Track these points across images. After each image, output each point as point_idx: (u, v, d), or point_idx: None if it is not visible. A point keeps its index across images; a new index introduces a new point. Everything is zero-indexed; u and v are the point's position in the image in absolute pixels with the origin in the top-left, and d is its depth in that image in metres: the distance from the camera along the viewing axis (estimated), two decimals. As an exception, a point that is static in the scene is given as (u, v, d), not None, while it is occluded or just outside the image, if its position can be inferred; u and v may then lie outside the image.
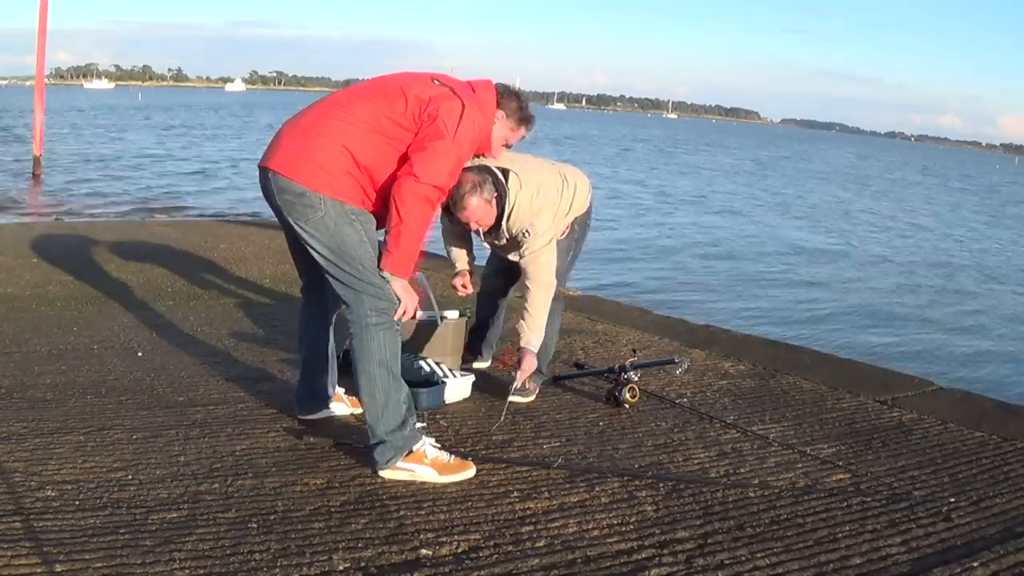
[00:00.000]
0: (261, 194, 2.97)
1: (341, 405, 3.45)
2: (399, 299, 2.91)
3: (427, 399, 3.49)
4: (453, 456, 2.94)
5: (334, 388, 3.43)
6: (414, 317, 3.11)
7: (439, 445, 2.97)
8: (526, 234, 3.50)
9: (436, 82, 2.95)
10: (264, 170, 2.88)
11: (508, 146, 3.38)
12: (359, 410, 3.44)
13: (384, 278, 2.86)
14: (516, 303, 4.08)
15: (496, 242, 3.68)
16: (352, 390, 3.49)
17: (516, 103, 3.24)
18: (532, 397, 3.79)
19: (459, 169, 3.02)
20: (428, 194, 2.79)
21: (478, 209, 3.35)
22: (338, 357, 3.44)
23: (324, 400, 3.40)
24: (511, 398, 3.61)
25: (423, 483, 2.83)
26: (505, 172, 3.43)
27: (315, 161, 2.79)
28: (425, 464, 2.87)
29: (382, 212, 2.89)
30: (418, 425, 3.05)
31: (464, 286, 3.83)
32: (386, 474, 2.87)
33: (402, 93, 2.86)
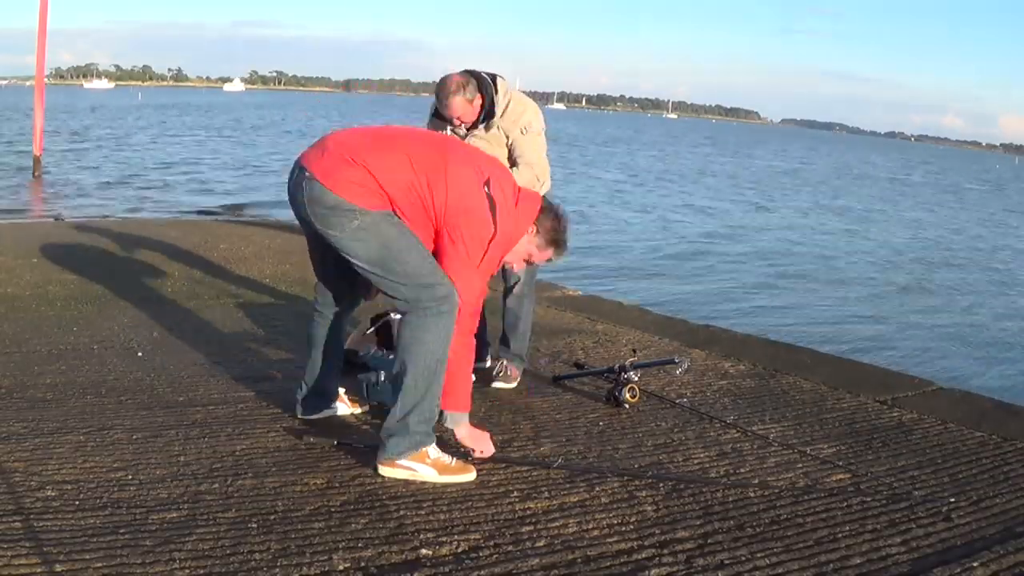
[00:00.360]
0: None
1: (342, 405, 3.45)
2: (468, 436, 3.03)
3: None
4: (455, 459, 2.92)
5: (338, 388, 3.43)
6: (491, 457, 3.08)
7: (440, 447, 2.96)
8: (525, 130, 3.74)
9: (486, 188, 2.86)
10: (302, 169, 2.82)
11: (530, 262, 3.25)
12: (359, 410, 3.46)
13: (439, 269, 2.83)
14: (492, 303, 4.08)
15: (479, 139, 3.77)
16: (352, 389, 3.51)
17: (552, 223, 3.08)
18: (514, 383, 3.95)
19: (485, 287, 3.05)
20: (465, 320, 2.89)
21: (460, 106, 3.60)
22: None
23: (330, 399, 3.40)
24: (495, 384, 3.85)
25: (423, 483, 2.83)
26: (494, 76, 3.69)
27: (354, 182, 2.75)
28: (427, 464, 2.85)
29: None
30: None
31: None
32: (386, 471, 2.85)
33: (444, 193, 2.80)
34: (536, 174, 3.76)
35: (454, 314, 2.83)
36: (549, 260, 3.20)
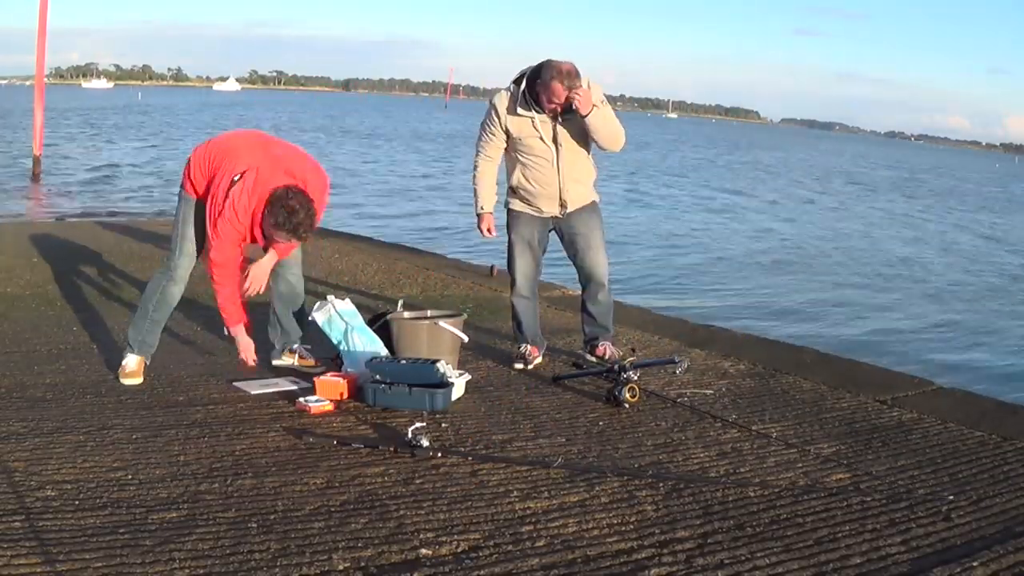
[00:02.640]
0: None
1: (288, 359, 4.15)
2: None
3: (442, 400, 3.53)
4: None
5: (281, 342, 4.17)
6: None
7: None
8: (602, 102, 4.07)
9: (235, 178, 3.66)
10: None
11: (274, 247, 3.78)
12: (293, 361, 4.15)
13: (179, 243, 3.88)
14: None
15: (567, 123, 4.09)
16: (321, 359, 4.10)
17: (274, 217, 3.59)
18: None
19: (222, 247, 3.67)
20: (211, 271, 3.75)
21: (560, 92, 3.90)
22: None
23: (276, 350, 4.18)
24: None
25: (423, 483, 2.83)
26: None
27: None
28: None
29: None
30: (417, 424, 3.09)
31: (489, 230, 4.31)
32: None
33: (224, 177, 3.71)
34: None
35: (169, 279, 3.92)
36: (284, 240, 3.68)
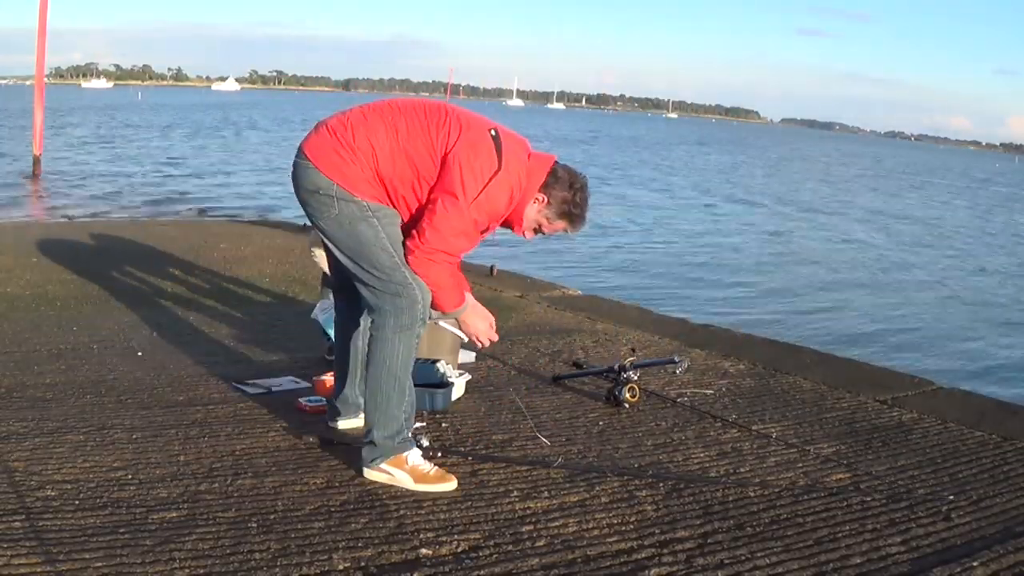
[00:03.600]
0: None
1: (405, 475, 2.96)
2: (468, 325, 2.96)
3: (442, 400, 3.53)
4: (435, 467, 2.87)
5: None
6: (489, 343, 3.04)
7: (424, 456, 2.90)
8: None
9: (492, 132, 2.78)
10: (298, 151, 2.82)
11: (541, 232, 2.99)
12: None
13: (408, 279, 2.76)
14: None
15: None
16: None
17: (566, 194, 2.87)
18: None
19: (474, 235, 2.80)
20: (433, 259, 2.75)
21: None
22: None
23: (352, 407, 3.26)
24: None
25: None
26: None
27: (339, 155, 2.72)
28: (404, 469, 2.81)
29: (406, 219, 2.83)
30: (417, 424, 3.05)
31: None
32: (368, 474, 2.85)
33: (442, 121, 2.74)
34: None
35: (413, 334, 2.81)
36: (565, 231, 2.99)
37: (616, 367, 3.84)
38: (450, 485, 2.82)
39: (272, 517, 2.54)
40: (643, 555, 2.44)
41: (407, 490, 2.78)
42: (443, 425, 3.41)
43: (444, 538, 2.47)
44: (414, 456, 2.85)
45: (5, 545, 2.26)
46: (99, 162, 22.09)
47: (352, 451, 3.05)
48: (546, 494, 2.81)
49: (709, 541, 2.54)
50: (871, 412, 3.89)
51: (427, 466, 2.86)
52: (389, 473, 2.83)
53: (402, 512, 2.62)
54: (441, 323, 4.05)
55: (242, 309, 5.36)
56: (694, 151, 52.80)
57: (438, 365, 3.62)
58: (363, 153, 2.72)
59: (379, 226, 2.76)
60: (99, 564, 2.21)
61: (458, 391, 3.72)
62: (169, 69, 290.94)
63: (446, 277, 2.83)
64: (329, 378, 3.64)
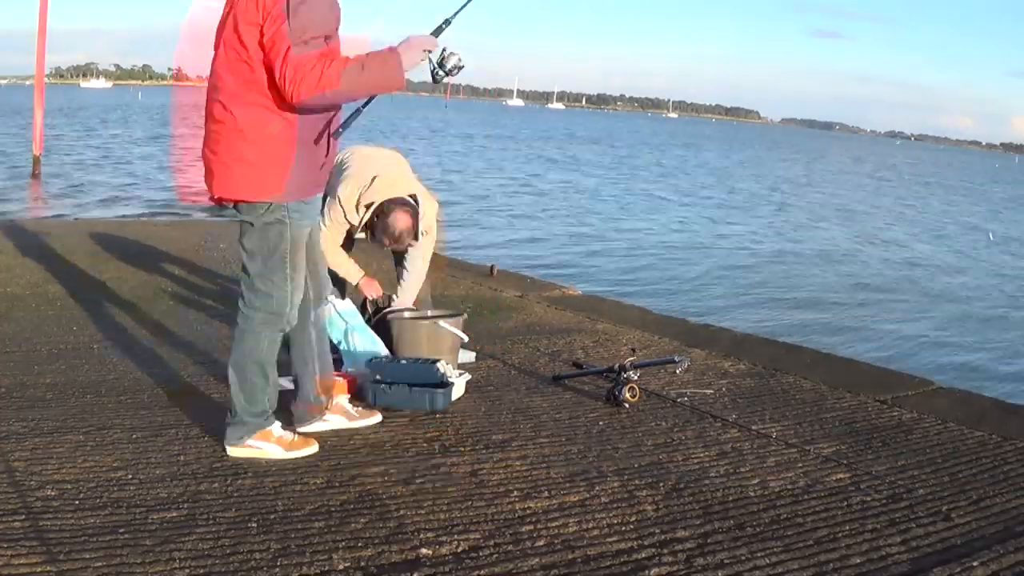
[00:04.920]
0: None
1: (338, 417, 3.30)
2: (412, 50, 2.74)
3: (442, 400, 3.53)
4: (296, 435, 3.06)
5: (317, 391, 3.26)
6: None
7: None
8: (424, 233, 4.27)
9: None
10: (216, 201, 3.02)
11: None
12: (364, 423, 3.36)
13: (278, 277, 2.92)
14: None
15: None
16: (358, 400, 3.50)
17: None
18: None
19: (313, 43, 2.60)
20: (305, 81, 2.57)
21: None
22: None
23: (311, 406, 3.24)
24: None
25: (399, 479, 2.82)
26: (414, 196, 4.14)
27: (223, 167, 2.83)
28: (271, 441, 2.96)
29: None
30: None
31: (377, 290, 4.37)
32: (234, 451, 2.95)
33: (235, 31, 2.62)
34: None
35: (274, 335, 3.00)
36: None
37: (616, 367, 3.84)
38: (313, 448, 3.03)
39: (272, 517, 2.54)
40: (643, 555, 2.44)
41: (410, 488, 2.78)
42: (443, 425, 3.41)
43: (444, 538, 2.47)
44: (277, 428, 3.03)
45: (5, 545, 2.26)
46: (99, 162, 22.08)
47: (352, 451, 3.06)
48: (546, 494, 2.81)
49: (709, 541, 2.54)
50: (871, 412, 3.89)
51: (290, 435, 3.02)
52: (258, 447, 2.95)
53: (402, 512, 2.62)
54: (441, 323, 4.06)
55: (242, 309, 5.35)
56: (689, 152, 52.48)
57: (438, 365, 3.62)
58: (226, 141, 2.81)
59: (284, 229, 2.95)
60: (99, 564, 2.21)
61: (458, 391, 3.72)
62: (169, 69, 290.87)
63: (331, 72, 2.59)
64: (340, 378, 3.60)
